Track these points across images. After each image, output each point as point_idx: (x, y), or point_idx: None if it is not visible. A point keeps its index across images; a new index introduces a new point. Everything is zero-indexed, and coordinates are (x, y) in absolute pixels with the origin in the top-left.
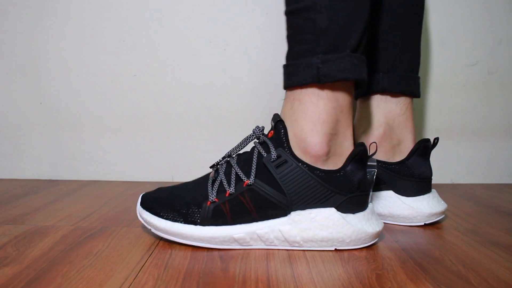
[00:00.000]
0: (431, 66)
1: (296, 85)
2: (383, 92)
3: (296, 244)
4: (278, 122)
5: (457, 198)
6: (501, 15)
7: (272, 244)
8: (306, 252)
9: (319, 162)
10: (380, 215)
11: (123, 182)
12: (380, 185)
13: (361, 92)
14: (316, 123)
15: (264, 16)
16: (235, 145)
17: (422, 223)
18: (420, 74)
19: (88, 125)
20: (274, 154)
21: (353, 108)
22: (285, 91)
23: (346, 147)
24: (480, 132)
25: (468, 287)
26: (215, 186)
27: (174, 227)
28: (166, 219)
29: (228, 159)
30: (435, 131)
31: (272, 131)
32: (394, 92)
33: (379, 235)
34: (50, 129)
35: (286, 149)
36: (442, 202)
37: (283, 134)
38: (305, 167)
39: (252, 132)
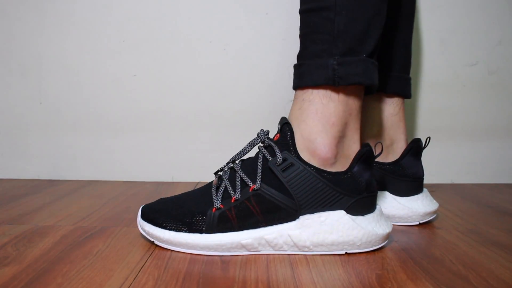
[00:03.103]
0: (431, 66)
1: (308, 85)
2: (378, 92)
3: (306, 249)
4: (284, 124)
5: (457, 198)
6: (501, 15)
7: (281, 249)
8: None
9: (327, 164)
10: None
11: (123, 182)
12: None
13: None
14: (325, 125)
15: (264, 16)
16: (239, 151)
17: (417, 223)
18: (420, 73)
19: (88, 125)
20: (280, 157)
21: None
22: (294, 92)
23: (353, 150)
24: (480, 132)
25: (468, 287)
26: (219, 193)
27: (179, 237)
28: (169, 229)
29: (232, 165)
30: (435, 131)
31: (278, 135)
32: (388, 92)
33: (389, 236)
34: (50, 129)
35: (292, 152)
36: (434, 201)
37: (289, 137)
38: (312, 169)
39: (256, 136)
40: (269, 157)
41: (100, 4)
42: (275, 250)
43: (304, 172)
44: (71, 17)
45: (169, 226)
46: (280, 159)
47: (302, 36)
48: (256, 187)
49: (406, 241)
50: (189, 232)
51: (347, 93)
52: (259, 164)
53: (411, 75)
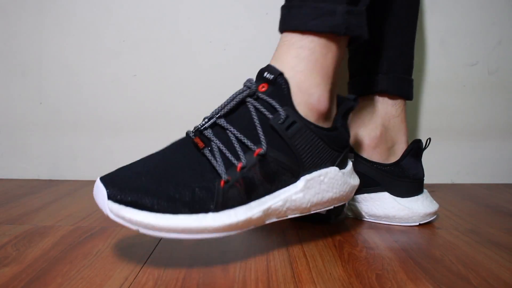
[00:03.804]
0: (431, 66)
1: (312, 30)
2: (381, 93)
3: (306, 210)
4: (279, 75)
5: (457, 198)
6: (501, 15)
7: (284, 215)
8: (306, 252)
9: (322, 119)
10: (375, 216)
11: None
12: (375, 187)
13: (359, 92)
14: (324, 77)
15: (264, 16)
16: (221, 104)
17: (417, 223)
18: (420, 74)
19: (88, 125)
20: (283, 114)
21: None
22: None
23: (335, 103)
24: (480, 132)
25: (468, 287)
26: (218, 159)
27: (182, 221)
28: (164, 212)
29: (216, 120)
30: (435, 131)
31: (264, 85)
32: (392, 93)
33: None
34: (50, 129)
35: (291, 108)
36: (434, 202)
37: (286, 90)
38: (312, 127)
39: (243, 86)
40: (268, 114)
41: (100, 4)
42: (278, 218)
43: (305, 130)
44: (71, 17)
45: (163, 209)
46: (283, 116)
47: None
48: (263, 151)
49: (406, 241)
50: (192, 213)
51: (341, 45)
52: (256, 121)
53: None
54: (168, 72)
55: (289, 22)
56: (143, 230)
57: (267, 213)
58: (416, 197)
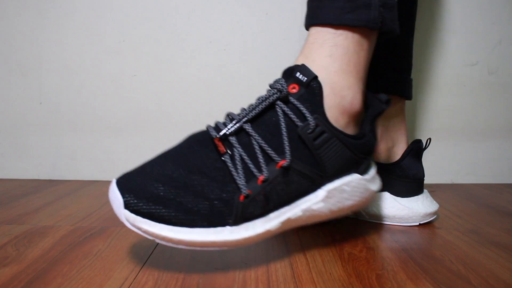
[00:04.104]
0: (431, 66)
1: (347, 24)
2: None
3: (324, 218)
4: (314, 79)
5: (457, 198)
6: (501, 15)
7: (302, 224)
8: (306, 252)
9: (353, 122)
10: (375, 216)
11: None
12: None
13: None
14: (356, 77)
15: (264, 16)
16: (248, 106)
17: (417, 223)
18: (420, 74)
19: (88, 125)
20: (312, 123)
21: None
22: (314, 30)
23: (364, 104)
24: (480, 132)
25: (468, 287)
26: (239, 171)
27: (200, 235)
28: (181, 225)
29: (243, 125)
30: (435, 131)
31: (295, 85)
32: (390, 93)
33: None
34: (50, 129)
35: (322, 114)
36: (434, 202)
37: (319, 95)
38: (341, 136)
39: (270, 88)
40: (298, 121)
41: (100, 4)
42: (296, 226)
43: (333, 140)
44: (71, 17)
45: (181, 222)
46: (312, 125)
47: None
48: (287, 163)
49: (406, 241)
50: (210, 226)
51: (373, 41)
52: (283, 129)
53: (411, 75)
54: (168, 72)
55: (321, 16)
56: (160, 241)
57: (286, 223)
58: (416, 197)
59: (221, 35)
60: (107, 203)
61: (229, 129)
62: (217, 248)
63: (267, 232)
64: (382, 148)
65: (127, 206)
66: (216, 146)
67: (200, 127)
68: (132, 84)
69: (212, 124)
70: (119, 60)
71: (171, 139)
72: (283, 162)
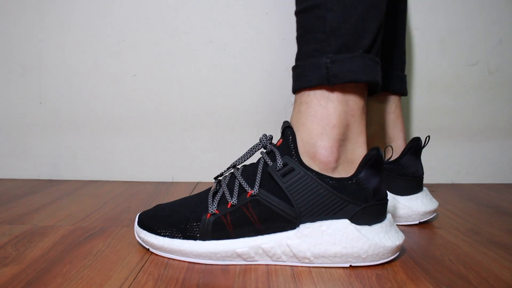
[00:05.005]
0: (431, 66)
1: (304, 87)
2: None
3: (307, 260)
4: (286, 128)
5: (457, 198)
6: (501, 15)
7: (280, 259)
8: None
9: (329, 169)
10: None
11: (123, 182)
12: None
13: None
14: (325, 127)
15: (264, 16)
16: (240, 156)
17: (417, 222)
18: (420, 73)
19: (88, 125)
20: (280, 162)
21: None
22: (294, 96)
23: (359, 154)
24: (480, 132)
25: (468, 287)
26: (216, 198)
27: (173, 243)
28: (164, 236)
29: (233, 170)
30: (435, 131)
31: (281, 140)
32: (384, 90)
33: (400, 249)
34: (50, 129)
35: (294, 157)
36: (434, 200)
37: (291, 141)
38: (314, 175)
39: (259, 140)
40: (270, 162)
41: (100, 4)
42: (273, 261)
43: (305, 178)
44: (71, 17)
45: (163, 233)
46: (280, 164)
47: (298, 38)
48: (254, 192)
49: (406, 241)
50: (183, 238)
51: (346, 92)
52: (259, 169)
53: (411, 75)
54: (168, 72)
55: (293, 85)
56: (152, 250)
57: (257, 251)
58: (415, 195)
59: (221, 35)
60: (107, 203)
61: (223, 173)
62: (190, 259)
63: (233, 252)
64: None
65: (138, 222)
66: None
67: (200, 127)
68: (132, 84)
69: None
70: (119, 60)
71: (171, 139)
72: (251, 192)
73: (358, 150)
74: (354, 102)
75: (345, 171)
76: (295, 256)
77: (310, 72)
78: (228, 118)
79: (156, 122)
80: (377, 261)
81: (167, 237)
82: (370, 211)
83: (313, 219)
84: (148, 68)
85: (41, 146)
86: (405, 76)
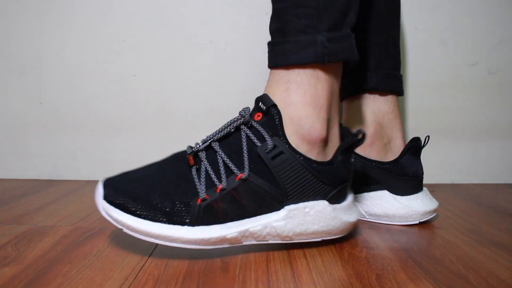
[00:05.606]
0: (431, 66)
1: (295, 63)
2: (372, 91)
3: (288, 238)
4: (271, 106)
5: (457, 198)
6: (501, 15)
7: (263, 239)
8: (306, 252)
9: (316, 149)
10: (375, 215)
11: None
12: (374, 185)
13: (349, 92)
14: (315, 108)
15: (264, 16)
16: (217, 129)
17: (417, 222)
18: (420, 73)
19: (88, 125)
20: (270, 143)
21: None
22: (270, 70)
23: (335, 133)
24: (481, 132)
25: (468, 287)
26: (202, 179)
27: (158, 228)
28: (144, 218)
29: (211, 143)
30: (435, 131)
31: (260, 114)
32: (382, 90)
33: (357, 224)
34: (50, 129)
35: (282, 138)
36: (434, 199)
37: (277, 121)
38: (301, 159)
39: (239, 114)
40: (257, 142)
41: (100, 4)
42: (257, 241)
43: (293, 162)
44: (71, 17)
45: (144, 215)
46: (270, 146)
47: (280, 10)
48: (245, 176)
49: (406, 241)
50: (169, 223)
51: (332, 72)
52: (245, 148)
53: (411, 75)
54: (168, 72)
55: (274, 59)
56: (126, 230)
57: (245, 234)
58: (415, 195)
59: (221, 35)
60: None
61: (198, 146)
62: (173, 244)
63: (223, 238)
64: (378, 145)
65: (105, 197)
66: (188, 160)
67: (200, 127)
68: (132, 84)
69: (193, 144)
70: (119, 60)
71: (171, 139)
72: (242, 175)
73: (335, 130)
74: (336, 82)
75: (330, 151)
76: (278, 235)
77: (303, 49)
78: (228, 118)
79: (156, 122)
80: (340, 235)
81: (149, 220)
82: (341, 192)
83: (297, 201)
84: (148, 68)
85: (40, 146)
86: (401, 76)
